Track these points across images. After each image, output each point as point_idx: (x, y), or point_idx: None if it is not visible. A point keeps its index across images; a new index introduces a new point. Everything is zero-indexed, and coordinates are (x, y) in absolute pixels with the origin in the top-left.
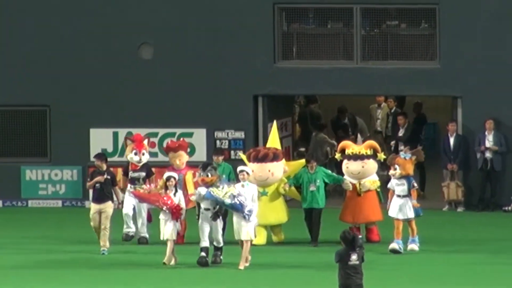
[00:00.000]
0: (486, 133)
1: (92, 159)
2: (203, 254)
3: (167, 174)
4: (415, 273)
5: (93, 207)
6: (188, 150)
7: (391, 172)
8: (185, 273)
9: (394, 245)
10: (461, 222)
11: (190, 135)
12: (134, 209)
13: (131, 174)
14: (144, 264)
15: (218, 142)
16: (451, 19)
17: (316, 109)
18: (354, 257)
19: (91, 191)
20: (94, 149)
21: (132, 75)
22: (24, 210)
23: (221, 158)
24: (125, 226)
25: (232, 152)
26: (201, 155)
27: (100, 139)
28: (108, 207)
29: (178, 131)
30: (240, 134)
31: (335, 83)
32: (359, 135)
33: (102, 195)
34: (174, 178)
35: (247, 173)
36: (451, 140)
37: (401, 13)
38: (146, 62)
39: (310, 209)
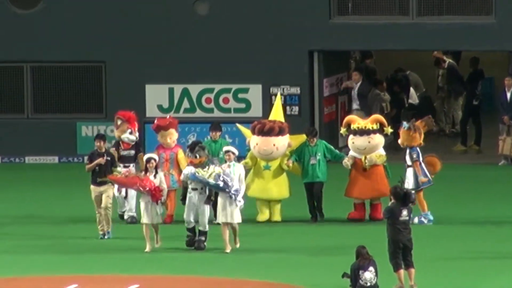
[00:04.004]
0: None
1: (147, 115)
2: (189, 234)
3: (147, 156)
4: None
5: (94, 189)
6: (178, 127)
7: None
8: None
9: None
10: None
11: (245, 90)
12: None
13: (122, 152)
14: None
15: (273, 98)
16: None
17: (371, 64)
18: (404, 212)
19: (90, 174)
20: (150, 105)
21: (188, 31)
22: (80, 166)
23: (218, 134)
24: (126, 210)
25: (288, 107)
26: (257, 111)
27: (155, 95)
28: (109, 188)
29: (234, 86)
30: (295, 90)
31: (390, 38)
32: (412, 89)
33: (104, 181)
34: (155, 160)
35: (233, 153)
36: (508, 95)
37: None
38: (202, 18)
39: (311, 183)
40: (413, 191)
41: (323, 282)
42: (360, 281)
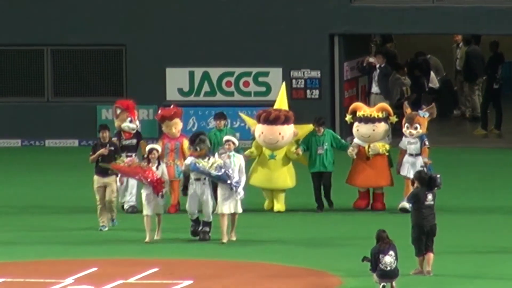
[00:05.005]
0: None
1: (167, 98)
2: (194, 224)
3: (149, 146)
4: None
5: (97, 180)
6: (182, 117)
7: (411, 131)
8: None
9: (404, 204)
10: None
11: (266, 74)
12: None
13: (123, 142)
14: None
15: (294, 81)
16: None
17: (392, 48)
18: (430, 197)
19: (94, 164)
20: (170, 89)
21: (208, 14)
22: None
23: (223, 122)
24: (126, 200)
25: (308, 91)
26: (277, 94)
27: (176, 78)
28: (113, 181)
29: (254, 70)
30: (316, 73)
31: (411, 22)
32: (432, 73)
33: (106, 168)
34: (157, 151)
35: (233, 143)
36: None
37: None
38: (222, 1)
39: (318, 173)
40: (438, 175)
41: (340, 268)
42: (380, 265)
